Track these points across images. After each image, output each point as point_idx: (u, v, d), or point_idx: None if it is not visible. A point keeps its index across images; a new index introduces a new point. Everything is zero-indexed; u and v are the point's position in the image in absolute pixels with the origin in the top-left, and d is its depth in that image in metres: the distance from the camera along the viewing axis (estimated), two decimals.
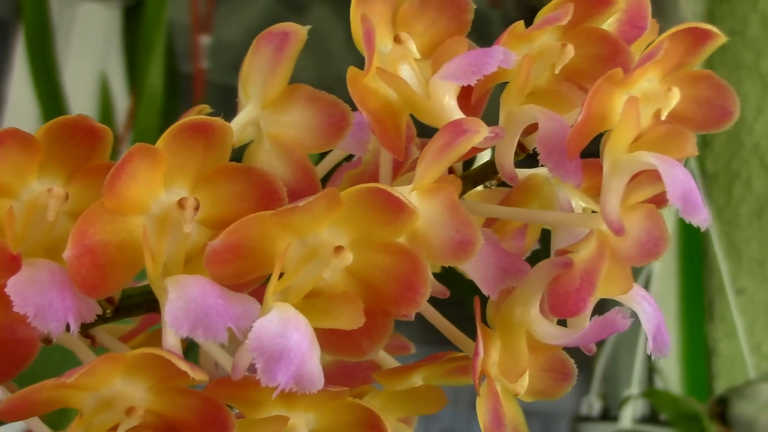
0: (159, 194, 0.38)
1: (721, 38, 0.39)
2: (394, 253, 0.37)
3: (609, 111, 0.38)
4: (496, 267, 0.39)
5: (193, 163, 0.38)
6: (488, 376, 0.40)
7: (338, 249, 0.36)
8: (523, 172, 0.44)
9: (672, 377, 2.42)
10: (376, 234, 0.37)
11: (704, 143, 2.53)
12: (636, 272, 2.29)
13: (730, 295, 2.30)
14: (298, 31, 0.40)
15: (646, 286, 2.18)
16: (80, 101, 1.77)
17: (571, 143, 0.37)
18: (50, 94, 1.44)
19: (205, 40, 1.95)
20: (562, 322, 0.41)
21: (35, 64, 1.45)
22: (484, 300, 0.40)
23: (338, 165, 0.49)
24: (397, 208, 0.36)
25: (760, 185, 2.37)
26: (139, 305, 0.42)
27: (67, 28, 2.01)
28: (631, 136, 0.37)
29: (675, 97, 0.38)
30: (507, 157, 0.40)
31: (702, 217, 0.36)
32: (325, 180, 0.47)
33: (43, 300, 0.36)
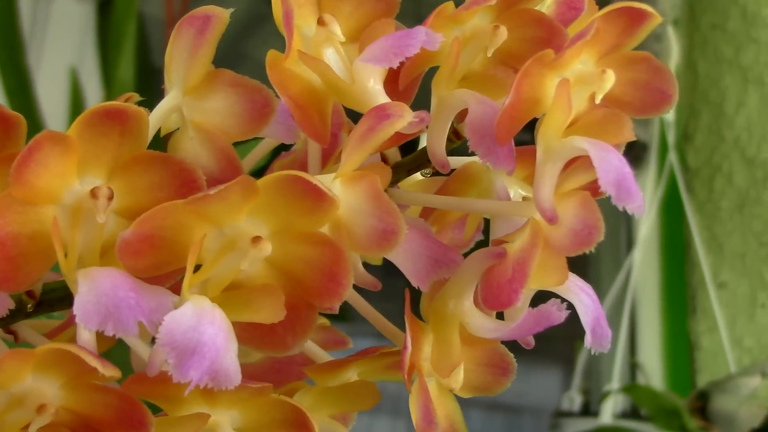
0: (72, 183, 0.36)
1: (657, 18, 0.38)
2: (315, 244, 0.35)
3: (541, 94, 0.36)
4: (426, 258, 0.38)
5: (108, 151, 0.36)
6: (419, 372, 0.38)
7: (256, 239, 0.34)
8: (461, 160, 0.43)
9: (654, 372, 2.41)
10: (296, 224, 0.35)
11: (686, 137, 2.52)
12: (617, 265, 2.28)
13: (711, 289, 2.29)
14: (220, 14, 0.39)
15: (627, 279, 2.17)
16: (54, 96, 1.75)
17: (500, 128, 0.35)
18: (18, 88, 1.42)
19: None
20: (501, 317, 0.39)
21: (3, 58, 1.43)
22: (418, 293, 0.39)
23: (277, 155, 0.47)
24: (317, 197, 0.34)
25: (741, 179, 2.36)
26: (62, 299, 0.40)
27: (43, 24, 1.99)
28: (563, 120, 0.36)
29: (610, 79, 0.36)
30: (438, 144, 0.39)
31: (636, 204, 0.35)
32: (262, 171, 0.45)
33: None
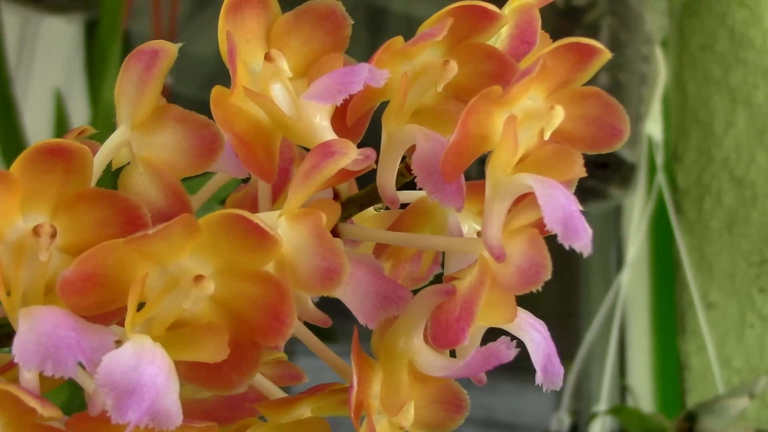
0: (15, 221, 0.36)
1: (607, 54, 0.37)
2: (259, 282, 0.35)
3: (488, 131, 0.36)
4: (375, 295, 0.37)
5: (52, 188, 0.36)
6: (368, 410, 0.38)
7: (198, 278, 0.34)
8: (415, 194, 0.43)
9: (644, 392, 2.40)
10: (240, 262, 0.35)
11: (675, 157, 2.52)
12: (606, 286, 2.28)
13: (700, 310, 2.29)
14: (168, 49, 0.39)
15: (616, 299, 2.17)
16: (41, 117, 1.74)
17: (446, 165, 0.35)
18: (3, 110, 1.41)
19: None
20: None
21: None
22: (366, 330, 0.39)
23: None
24: (259, 236, 0.34)
25: (730, 199, 2.36)
26: (9, 336, 0.39)
27: (31, 44, 1.99)
28: (511, 157, 0.36)
29: (558, 115, 0.36)
30: (388, 180, 0.38)
31: (582, 243, 0.34)
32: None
33: None
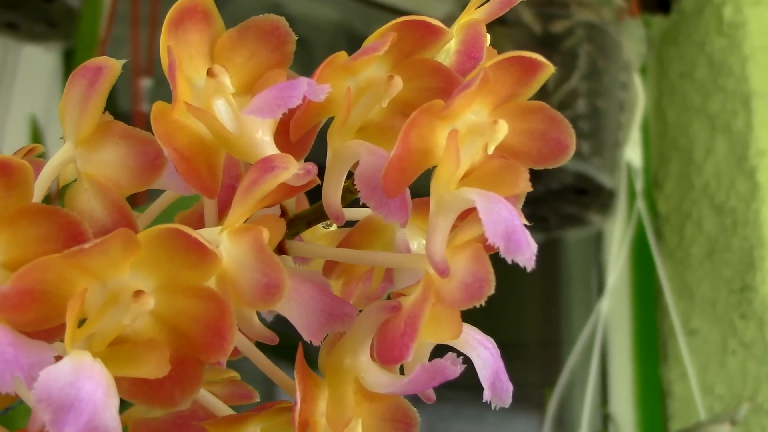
0: None
1: (550, 68, 0.37)
2: (200, 298, 0.35)
3: (431, 145, 0.36)
4: (320, 312, 0.37)
5: None
6: (313, 428, 0.38)
7: (137, 293, 0.34)
8: (363, 212, 0.42)
9: (627, 419, 2.39)
10: (181, 277, 0.35)
11: (656, 184, 2.53)
12: (587, 312, 2.28)
13: (682, 337, 2.28)
14: (111, 66, 0.39)
15: (597, 326, 2.17)
16: (20, 143, 1.74)
17: (387, 179, 0.35)
18: None
19: (145, 82, 1.93)
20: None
21: None
22: (312, 347, 0.38)
23: None
24: (199, 251, 0.34)
25: (711, 226, 2.36)
26: None
27: (12, 71, 1.99)
28: (453, 171, 0.36)
29: (502, 130, 0.36)
30: (333, 196, 0.38)
31: (526, 257, 0.34)
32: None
33: None
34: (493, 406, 0.38)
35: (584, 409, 2.08)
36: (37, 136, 1.53)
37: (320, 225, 0.41)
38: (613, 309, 2.30)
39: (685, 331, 2.32)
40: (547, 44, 1.89)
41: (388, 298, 0.45)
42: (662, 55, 2.56)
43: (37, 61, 2.00)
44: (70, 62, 1.84)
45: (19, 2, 1.72)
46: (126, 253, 0.34)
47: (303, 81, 0.35)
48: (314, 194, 0.41)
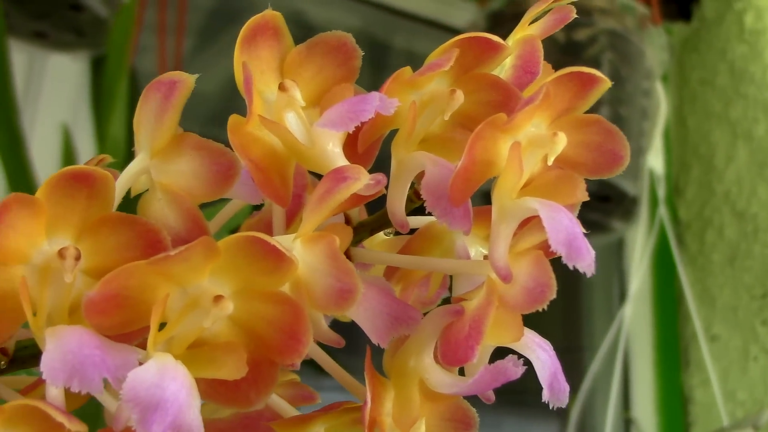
0: (40, 244, 0.37)
1: (606, 83, 0.39)
2: (276, 303, 0.36)
3: (494, 157, 0.37)
4: (387, 316, 0.39)
5: (76, 212, 0.38)
6: (381, 427, 0.39)
7: (217, 298, 0.36)
8: (424, 220, 0.44)
9: (648, 425, 2.40)
10: (257, 283, 0.36)
11: (677, 191, 2.54)
12: (609, 319, 2.29)
13: (704, 343, 2.29)
14: (185, 80, 0.40)
15: (619, 333, 2.18)
16: (48, 153, 1.77)
17: (454, 189, 0.36)
18: (11, 144, 1.43)
19: None
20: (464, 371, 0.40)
21: None
22: (379, 349, 0.40)
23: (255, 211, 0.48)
24: (276, 258, 0.35)
25: (732, 232, 2.37)
26: (35, 356, 0.41)
27: (38, 80, 2.01)
28: (516, 182, 0.37)
29: (561, 141, 0.38)
30: (398, 205, 0.40)
31: (586, 263, 0.36)
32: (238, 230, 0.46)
33: None
34: (551, 406, 0.40)
35: (608, 416, 2.09)
36: (68, 145, 1.55)
37: (382, 233, 0.43)
38: (634, 315, 2.31)
39: (707, 337, 2.33)
40: (571, 52, 1.90)
41: (442, 303, 0.47)
42: (683, 63, 2.57)
43: (65, 69, 2.02)
44: (97, 71, 1.86)
45: (48, 11, 1.74)
46: (207, 260, 0.35)
47: (375, 95, 0.37)
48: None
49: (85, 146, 1.80)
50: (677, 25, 2.57)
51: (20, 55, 1.88)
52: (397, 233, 0.43)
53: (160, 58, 1.96)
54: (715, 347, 2.35)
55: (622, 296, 2.39)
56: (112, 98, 1.51)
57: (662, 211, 2.25)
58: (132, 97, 1.72)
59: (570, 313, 2.52)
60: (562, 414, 2.25)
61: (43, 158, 1.69)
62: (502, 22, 1.98)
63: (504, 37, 0.42)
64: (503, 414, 2.40)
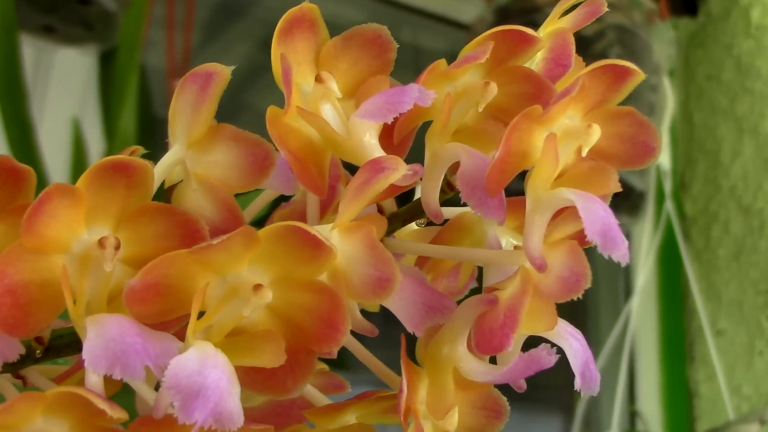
0: (80, 233, 0.38)
1: (641, 75, 0.40)
2: (314, 291, 0.37)
3: (529, 148, 0.38)
4: (421, 305, 0.39)
5: (115, 202, 0.38)
6: (415, 414, 0.40)
7: (257, 287, 0.36)
8: (454, 211, 0.44)
9: (654, 419, 2.41)
10: (296, 272, 0.37)
11: (683, 186, 2.54)
12: (615, 314, 2.29)
13: (709, 337, 2.30)
14: (221, 72, 0.41)
15: (625, 327, 2.18)
16: (56, 147, 1.77)
17: (490, 180, 0.37)
18: (22, 139, 1.44)
19: None
20: (495, 361, 0.41)
21: (7, 111, 1.45)
22: (414, 338, 0.40)
23: (278, 204, 0.49)
24: (316, 247, 0.36)
25: (738, 227, 2.37)
26: (69, 345, 0.41)
27: (45, 74, 2.01)
28: (551, 172, 0.38)
29: (595, 133, 0.38)
30: (432, 196, 0.40)
31: (621, 253, 0.36)
32: (263, 221, 0.47)
33: None
34: (583, 394, 0.40)
35: (614, 410, 2.09)
36: (79, 138, 1.56)
37: (414, 223, 0.43)
38: (640, 310, 2.31)
39: (713, 332, 2.33)
40: (578, 47, 1.90)
41: (470, 294, 0.47)
42: (689, 58, 2.57)
43: (72, 63, 2.02)
44: (106, 65, 1.86)
45: (56, 5, 1.74)
46: (247, 249, 0.36)
47: (414, 87, 0.37)
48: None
49: (93, 140, 1.81)
50: (683, 21, 2.57)
51: (28, 49, 1.88)
52: (428, 224, 0.43)
53: (169, 52, 1.97)
54: (720, 342, 2.35)
55: (628, 291, 2.39)
56: (122, 92, 1.52)
57: (669, 206, 2.26)
58: (140, 92, 1.72)
59: (576, 308, 2.52)
60: (567, 408, 2.25)
61: (51, 151, 1.69)
62: (509, 17, 1.98)
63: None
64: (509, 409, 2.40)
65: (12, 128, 1.39)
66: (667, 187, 2.25)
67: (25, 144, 1.42)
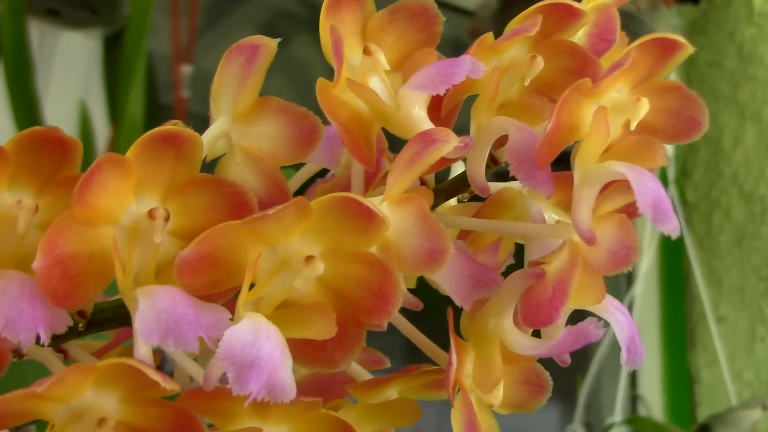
0: (129, 205, 0.38)
1: (689, 48, 0.40)
2: (365, 263, 0.37)
3: (578, 121, 0.38)
4: (468, 278, 0.39)
5: (163, 173, 0.38)
6: (462, 387, 0.40)
7: (309, 259, 0.36)
8: (496, 186, 0.44)
9: (655, 405, 2.41)
10: (347, 244, 0.37)
11: (684, 173, 2.55)
12: (617, 299, 2.30)
13: (711, 323, 2.30)
14: (268, 44, 0.40)
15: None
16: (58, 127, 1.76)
17: (540, 153, 0.37)
18: (29, 123, 1.43)
19: (186, 70, 1.95)
20: (537, 335, 0.41)
21: (15, 93, 1.45)
22: (459, 312, 0.40)
23: (313, 180, 0.49)
24: (368, 218, 0.36)
25: (739, 214, 2.38)
26: (111, 319, 0.41)
27: (48, 57, 2.01)
28: (600, 146, 0.38)
29: (644, 107, 0.38)
30: (478, 169, 0.40)
31: (672, 225, 0.36)
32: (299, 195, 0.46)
33: (13, 311, 0.35)
34: (627, 368, 0.40)
35: (618, 394, 2.09)
36: (85, 121, 1.55)
37: (456, 198, 0.43)
38: (642, 296, 2.31)
39: (714, 318, 2.34)
40: None
41: (507, 270, 0.47)
42: (691, 44, 2.57)
43: (76, 47, 2.02)
44: (110, 49, 1.86)
45: None
46: (299, 221, 0.36)
47: (466, 59, 0.37)
48: None
49: (97, 124, 1.80)
50: (686, 7, 2.57)
51: (32, 32, 1.88)
52: (471, 198, 0.43)
53: (174, 38, 1.96)
54: (722, 328, 2.36)
55: (631, 277, 2.39)
56: (129, 77, 1.51)
57: (672, 192, 2.26)
58: (145, 77, 1.71)
59: None
60: (569, 394, 2.26)
61: None
62: (514, 3, 1.98)
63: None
64: None
65: (20, 110, 1.39)
66: (669, 173, 2.26)
67: (32, 125, 1.42)
